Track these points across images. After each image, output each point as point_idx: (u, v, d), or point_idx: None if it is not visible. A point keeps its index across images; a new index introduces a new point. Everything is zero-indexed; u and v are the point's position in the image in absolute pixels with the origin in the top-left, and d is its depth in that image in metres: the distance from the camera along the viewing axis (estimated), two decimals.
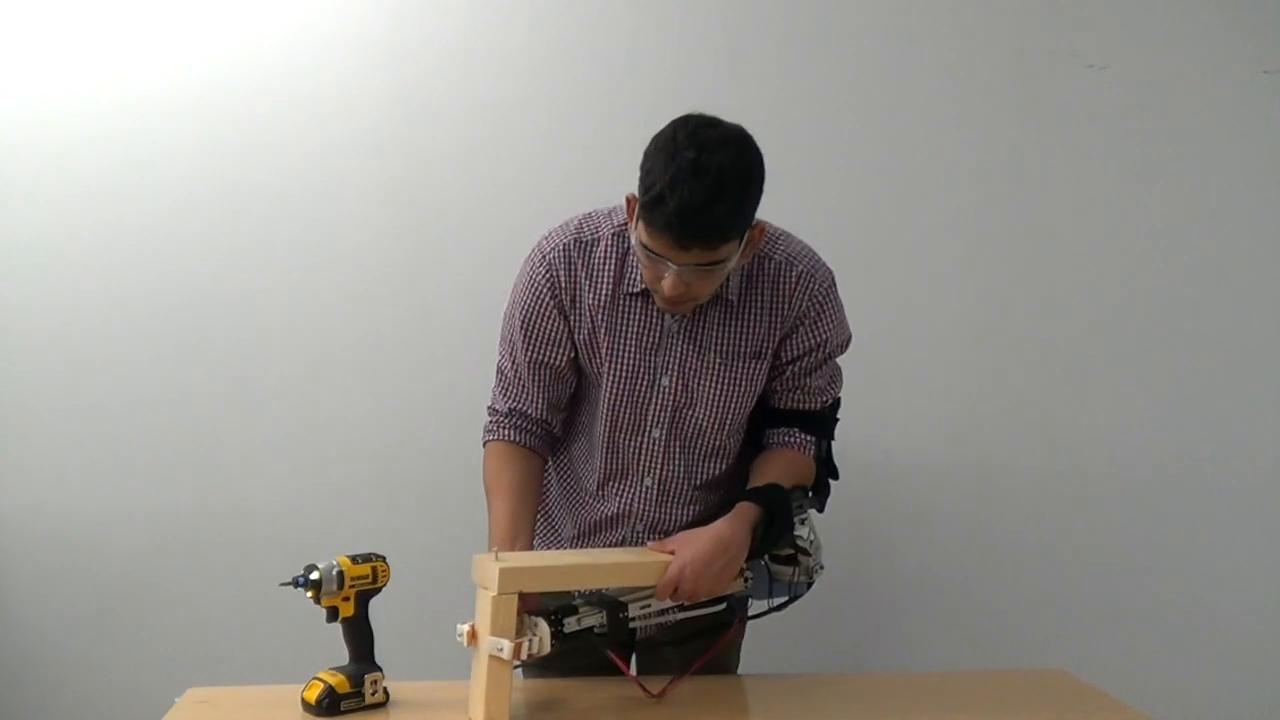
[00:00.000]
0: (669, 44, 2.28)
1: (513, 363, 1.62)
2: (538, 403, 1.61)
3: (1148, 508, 2.40)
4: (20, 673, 2.31)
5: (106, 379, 2.28)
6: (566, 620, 1.43)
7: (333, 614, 1.46)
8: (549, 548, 1.71)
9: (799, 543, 1.54)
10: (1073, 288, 2.38)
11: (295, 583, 1.44)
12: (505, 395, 1.63)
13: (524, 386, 1.61)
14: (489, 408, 1.67)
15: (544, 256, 1.56)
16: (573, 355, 1.58)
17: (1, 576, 2.30)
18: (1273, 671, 2.42)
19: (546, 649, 1.39)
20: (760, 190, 1.39)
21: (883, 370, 2.36)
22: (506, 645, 1.35)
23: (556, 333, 1.56)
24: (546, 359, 1.58)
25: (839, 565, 2.05)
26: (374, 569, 1.47)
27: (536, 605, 1.44)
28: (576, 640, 1.44)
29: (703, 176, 1.30)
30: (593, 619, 1.45)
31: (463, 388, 2.07)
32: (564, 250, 1.55)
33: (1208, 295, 2.39)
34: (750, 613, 1.61)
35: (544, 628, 1.39)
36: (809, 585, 1.57)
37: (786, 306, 1.54)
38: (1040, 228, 2.38)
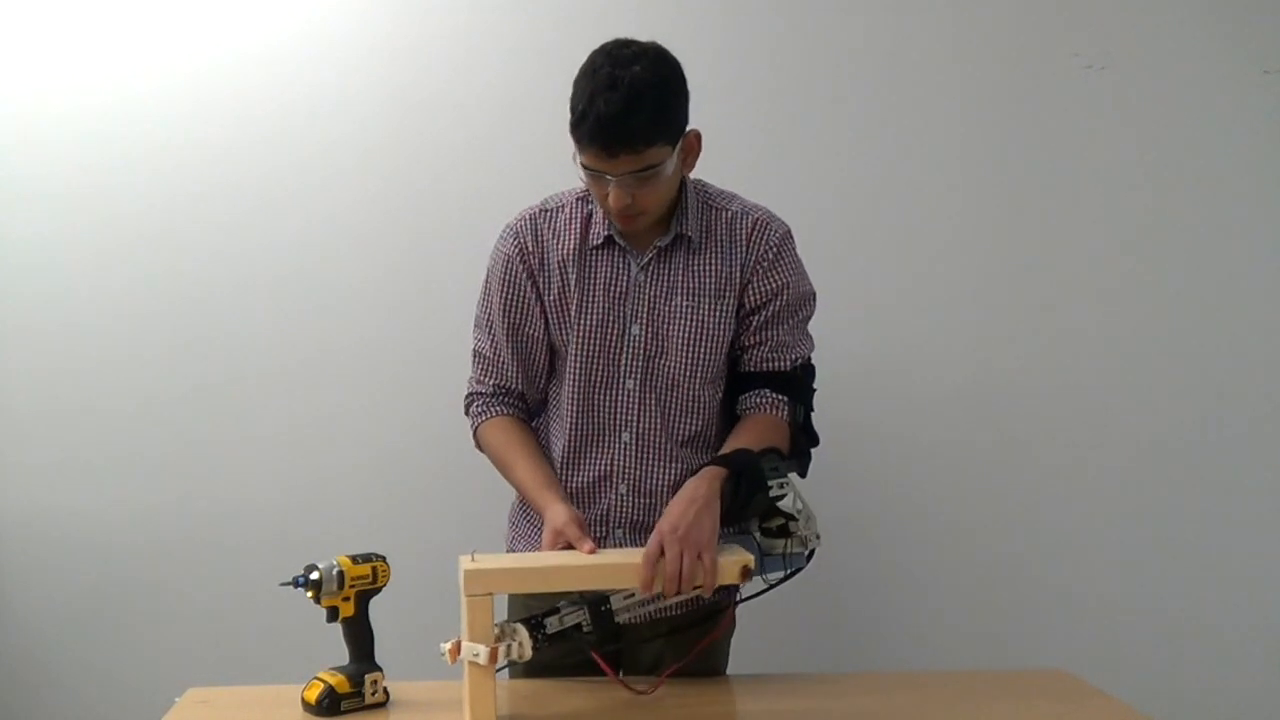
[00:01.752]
0: (669, 42, 2.28)
1: (491, 341, 1.69)
2: (517, 377, 1.68)
3: (1148, 507, 2.40)
4: (20, 673, 2.31)
5: (106, 379, 2.28)
6: (548, 620, 1.41)
7: (333, 614, 1.46)
8: (533, 540, 1.71)
9: (783, 507, 1.50)
10: (1073, 287, 2.38)
11: (295, 583, 1.44)
12: (487, 375, 1.70)
13: (503, 362, 1.68)
14: (470, 394, 1.73)
15: (510, 228, 1.67)
16: (545, 324, 1.65)
17: (1, 576, 2.31)
18: (1272, 671, 2.42)
19: (527, 654, 1.38)
20: (680, 99, 1.51)
21: (883, 370, 2.36)
22: (483, 651, 1.34)
23: (529, 302, 1.64)
24: (523, 328, 1.66)
25: (837, 565, 2.05)
26: (374, 569, 1.47)
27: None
28: (563, 641, 1.42)
29: (617, 87, 1.42)
30: (575, 617, 1.43)
31: (463, 387, 2.07)
32: (530, 219, 1.66)
33: (1208, 295, 2.39)
34: (748, 593, 1.56)
35: (523, 633, 1.38)
36: (808, 557, 1.53)
37: (744, 251, 1.62)
38: (1039, 227, 2.37)
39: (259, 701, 1.51)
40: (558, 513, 1.51)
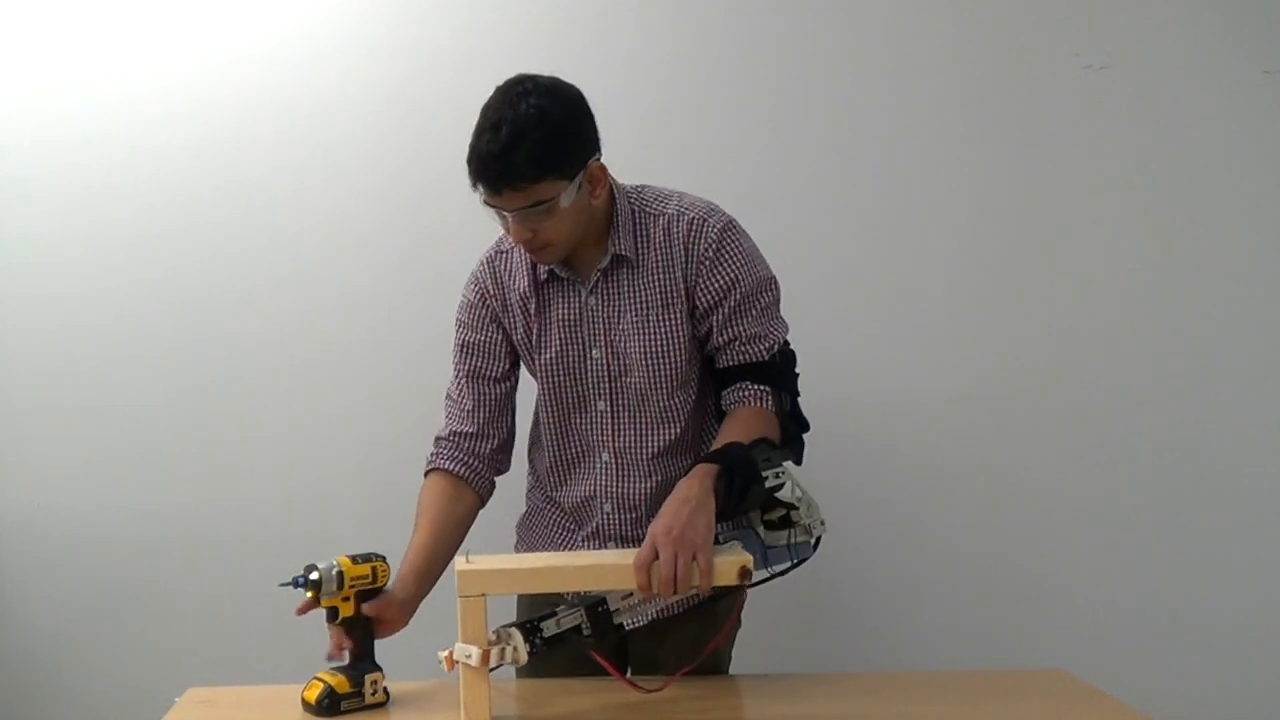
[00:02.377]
0: (669, 43, 2.28)
1: (456, 383, 1.71)
2: (476, 418, 1.68)
3: (1149, 507, 2.40)
4: (20, 673, 2.31)
5: (106, 379, 2.28)
6: (545, 624, 1.41)
7: (333, 614, 1.46)
8: (540, 549, 1.73)
9: (781, 497, 1.47)
10: (1073, 287, 2.38)
11: (295, 583, 1.44)
12: (448, 420, 1.71)
13: (463, 403, 1.69)
14: (435, 438, 1.72)
15: (473, 276, 1.71)
16: (508, 366, 1.69)
17: (1, 576, 2.31)
18: (1273, 671, 2.42)
19: (523, 659, 1.38)
20: (573, 134, 1.50)
21: (882, 368, 2.36)
22: (475, 653, 1.34)
23: (491, 343, 1.68)
24: (482, 371, 1.69)
25: (837, 565, 2.05)
26: (374, 569, 1.47)
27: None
28: (562, 644, 1.42)
29: (500, 127, 1.45)
30: (572, 620, 1.43)
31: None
32: (488, 263, 1.70)
33: (1208, 295, 2.39)
34: (751, 580, 1.53)
35: (518, 637, 1.38)
36: (814, 546, 1.50)
37: (684, 255, 1.60)
38: (1040, 228, 2.37)
39: (259, 701, 1.52)
40: (381, 601, 1.50)
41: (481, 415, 1.69)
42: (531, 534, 1.77)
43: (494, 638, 1.38)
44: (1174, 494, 2.40)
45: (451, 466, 1.67)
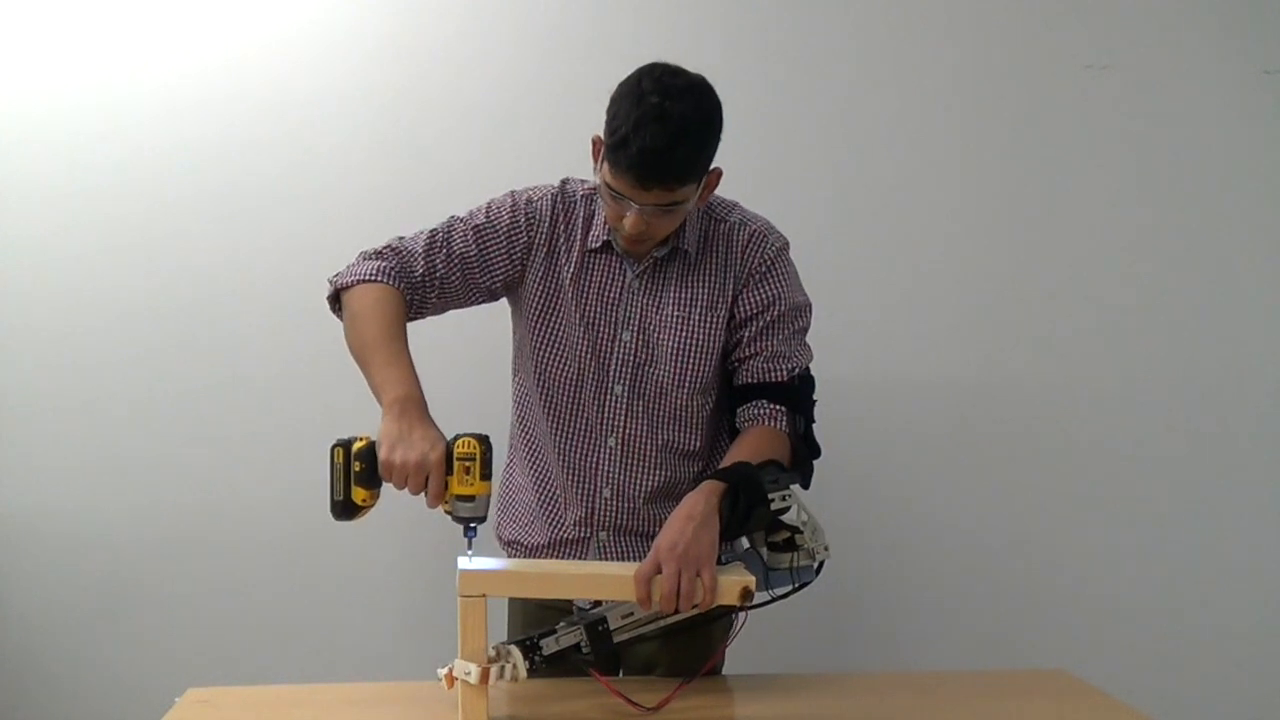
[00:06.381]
0: (669, 42, 2.27)
1: (454, 241, 1.62)
2: (435, 283, 1.61)
3: (1149, 507, 2.40)
4: (20, 672, 2.31)
5: (106, 379, 2.28)
6: (544, 641, 1.41)
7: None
8: (522, 525, 1.71)
9: (787, 519, 1.48)
10: (1073, 287, 2.39)
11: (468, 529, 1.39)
12: (427, 256, 1.61)
13: (436, 261, 1.61)
14: (391, 248, 1.62)
15: (530, 201, 1.64)
16: (494, 285, 1.63)
17: (1, 576, 2.31)
18: (1272, 671, 2.42)
19: (522, 676, 1.38)
20: (718, 137, 1.50)
21: (884, 371, 2.37)
22: (474, 670, 1.34)
23: (504, 259, 1.62)
24: (476, 267, 1.61)
25: (836, 565, 2.04)
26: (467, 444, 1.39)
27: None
28: (561, 662, 1.42)
29: (665, 121, 1.39)
30: (572, 637, 1.42)
31: (463, 386, 2.07)
32: (551, 201, 1.64)
33: (1207, 295, 2.39)
34: (752, 601, 1.54)
35: (517, 655, 1.38)
36: (817, 570, 1.50)
37: (739, 263, 1.62)
38: (1040, 227, 2.38)
39: (259, 701, 1.51)
40: (433, 438, 1.43)
41: (441, 290, 1.62)
42: (514, 518, 1.73)
43: (493, 654, 1.38)
44: (1175, 494, 2.41)
45: (407, 295, 1.60)
